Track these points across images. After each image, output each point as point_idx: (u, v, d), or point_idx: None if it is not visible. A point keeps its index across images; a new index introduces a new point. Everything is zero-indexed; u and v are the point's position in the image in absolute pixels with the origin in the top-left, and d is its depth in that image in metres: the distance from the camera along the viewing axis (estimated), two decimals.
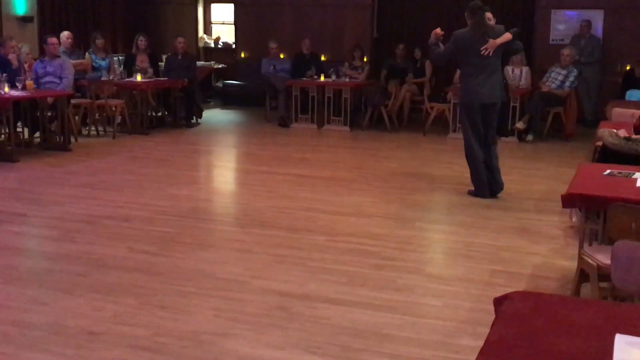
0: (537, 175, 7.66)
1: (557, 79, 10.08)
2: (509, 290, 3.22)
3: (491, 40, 6.44)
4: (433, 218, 6.13)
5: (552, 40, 11.69)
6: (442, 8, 12.79)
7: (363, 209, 6.09)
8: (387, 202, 6.36)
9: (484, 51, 6.42)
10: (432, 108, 10.52)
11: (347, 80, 11.02)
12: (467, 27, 6.62)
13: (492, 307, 2.31)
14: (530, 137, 9.85)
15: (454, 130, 10.12)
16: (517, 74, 10.27)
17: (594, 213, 3.86)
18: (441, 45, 6.78)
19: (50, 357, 3.31)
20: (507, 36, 6.51)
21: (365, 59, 11.87)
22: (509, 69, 10.31)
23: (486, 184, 6.60)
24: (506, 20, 12.31)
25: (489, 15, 6.69)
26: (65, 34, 10.15)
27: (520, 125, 9.76)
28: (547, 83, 10.13)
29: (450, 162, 8.35)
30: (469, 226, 5.64)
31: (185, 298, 4.05)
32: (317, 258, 4.78)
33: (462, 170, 7.81)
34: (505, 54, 6.74)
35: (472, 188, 6.71)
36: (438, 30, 6.83)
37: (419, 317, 3.84)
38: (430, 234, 5.64)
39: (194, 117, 11.18)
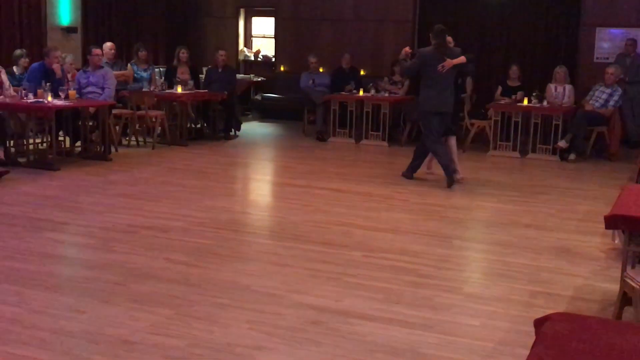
0: (579, 195, 7.52)
1: (601, 97, 9.92)
2: (549, 311, 3.15)
3: (448, 60, 7.63)
4: (471, 236, 6.06)
5: (597, 58, 11.52)
6: (483, 23, 12.74)
7: (400, 226, 6.04)
8: (425, 219, 6.31)
9: (440, 68, 7.57)
10: (472, 124, 10.44)
11: (386, 95, 10.98)
12: (430, 47, 7.83)
13: (531, 329, 2.26)
14: (572, 156, 9.69)
15: (495, 148, 10.02)
16: (560, 91, 10.14)
17: (637, 235, 3.77)
18: (408, 60, 8.09)
19: None
20: (462, 59, 7.73)
21: None
22: (552, 86, 10.19)
23: (450, 164, 7.85)
24: (550, 38, 12.29)
25: (449, 39, 7.95)
26: (108, 45, 10.32)
27: (562, 144, 9.62)
28: (590, 102, 9.97)
29: (489, 179, 8.27)
30: (508, 245, 5.56)
31: (221, 310, 4.05)
32: (352, 274, 4.75)
33: (502, 188, 7.75)
34: (458, 73, 8.05)
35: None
36: (407, 48, 8.15)
37: (456, 337, 3.78)
38: (469, 253, 5.57)
39: (233, 130, 11.24)
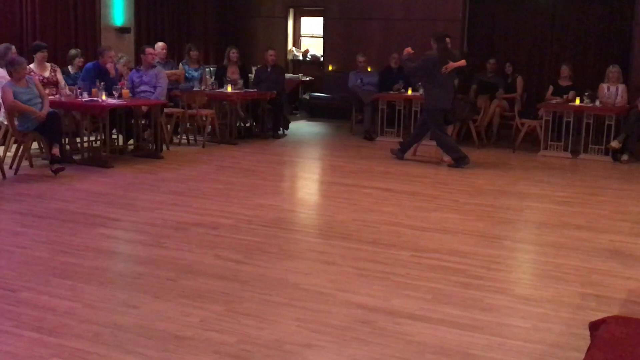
0: (632, 197, 7.36)
1: None
2: (601, 314, 3.11)
3: (451, 63, 8.57)
4: (522, 237, 5.98)
5: None
6: (534, 21, 12.56)
7: (449, 226, 6.00)
8: (474, 220, 6.25)
9: (444, 70, 8.53)
10: (522, 124, 10.29)
11: None
12: (433, 50, 8.71)
13: (583, 332, 2.23)
14: (625, 156, 9.49)
15: (546, 148, 9.88)
16: (613, 91, 9.94)
17: None
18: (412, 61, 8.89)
19: (139, 359, 3.40)
20: (462, 62, 8.71)
21: None
22: (604, 86, 10.00)
23: (460, 151, 8.79)
24: (603, 37, 12.04)
25: (447, 40, 8.88)
26: (160, 44, 10.47)
27: (615, 144, 9.43)
28: None
29: (540, 180, 8.15)
30: (559, 247, 5.47)
31: (270, 307, 4.08)
32: (401, 273, 4.74)
33: (553, 189, 7.65)
34: (457, 73, 9.03)
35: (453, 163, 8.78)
36: (409, 49, 8.86)
37: (507, 338, 3.74)
38: (519, 254, 5.50)
39: (281, 129, 11.31)
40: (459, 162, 8.75)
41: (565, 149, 9.80)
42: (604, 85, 10.03)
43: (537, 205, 6.94)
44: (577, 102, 9.84)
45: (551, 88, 10.69)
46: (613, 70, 10.04)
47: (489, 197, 7.20)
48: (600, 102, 9.80)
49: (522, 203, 7.01)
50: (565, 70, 10.63)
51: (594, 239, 5.73)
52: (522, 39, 12.68)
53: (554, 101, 10.21)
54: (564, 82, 10.61)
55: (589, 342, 2.25)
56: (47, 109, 7.58)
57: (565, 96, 10.24)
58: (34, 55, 8.64)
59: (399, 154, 9.26)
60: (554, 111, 9.94)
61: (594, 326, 2.19)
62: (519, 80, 11.27)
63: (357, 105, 11.74)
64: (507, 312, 4.13)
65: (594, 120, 9.67)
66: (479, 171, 8.64)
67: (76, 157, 8.47)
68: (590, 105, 9.69)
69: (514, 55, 12.30)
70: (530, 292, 4.49)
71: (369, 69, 12.08)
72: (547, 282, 4.69)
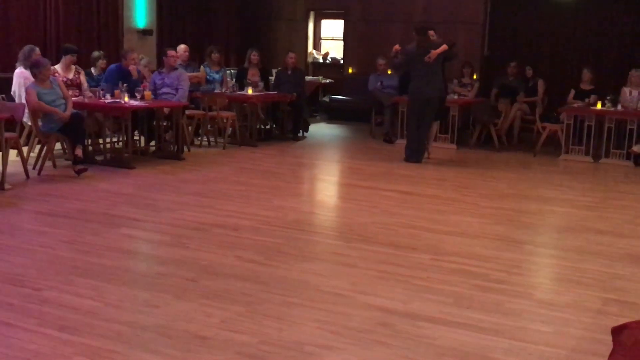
0: None
1: None
2: (622, 319, 3.09)
3: (432, 51, 8.75)
4: (543, 241, 5.96)
5: None
6: (556, 24, 12.49)
7: (469, 229, 5.99)
8: (495, 223, 6.23)
9: (427, 59, 8.70)
10: (543, 128, 10.24)
11: (455, 97, 10.87)
12: (412, 43, 8.99)
13: (604, 337, 2.22)
14: None
15: (567, 152, 9.82)
16: (635, 95, 9.86)
17: None
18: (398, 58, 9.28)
19: (160, 358, 3.42)
20: (443, 47, 8.77)
21: (475, 76, 11.72)
22: (626, 90, 9.92)
23: (414, 151, 9.11)
24: (624, 40, 11.94)
25: (431, 32, 9.07)
26: (182, 47, 10.53)
27: (637, 148, 9.35)
28: None
29: (561, 184, 8.11)
30: (581, 251, 5.44)
31: (290, 308, 4.10)
32: (421, 276, 4.73)
33: (574, 193, 7.61)
34: (444, 60, 9.01)
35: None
36: (397, 46, 9.17)
37: (528, 343, 3.73)
38: (540, 258, 5.48)
39: (301, 131, 11.34)
40: (408, 159, 9.13)
41: (587, 153, 9.74)
42: (626, 89, 9.95)
43: (558, 210, 6.91)
44: (599, 106, 9.78)
45: (572, 92, 10.64)
46: (636, 74, 9.97)
47: (510, 201, 7.17)
48: (622, 106, 9.72)
49: (543, 207, 6.97)
50: (586, 73, 10.57)
51: (615, 243, 5.69)
52: (544, 42, 12.62)
53: (575, 105, 10.16)
54: (585, 86, 10.55)
55: (610, 347, 2.23)
56: (70, 110, 7.66)
57: (586, 100, 10.18)
58: (64, 57, 8.72)
59: (413, 158, 9.23)
60: (576, 115, 9.88)
61: (617, 331, 2.18)
62: (540, 84, 11.22)
63: (377, 108, 11.74)
64: (528, 316, 4.11)
65: (616, 124, 9.60)
66: (500, 175, 8.61)
67: (98, 158, 8.55)
68: (612, 109, 9.62)
69: (535, 58, 12.24)
70: (552, 297, 4.47)
71: (389, 72, 12.07)
72: (568, 286, 4.67)
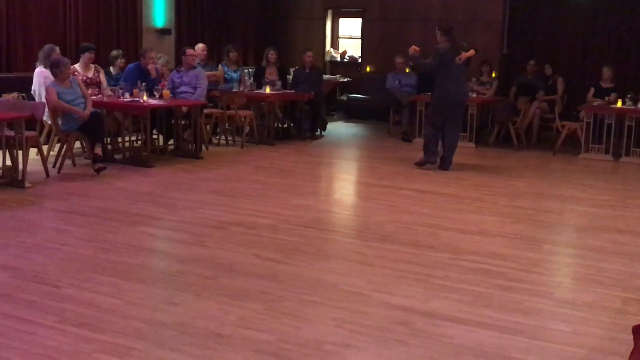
0: None
1: None
2: None
3: (463, 53, 8.41)
4: (562, 241, 5.91)
5: None
6: (576, 22, 12.39)
7: (488, 228, 5.96)
8: (514, 222, 6.19)
9: (458, 60, 8.35)
10: (563, 126, 10.16)
11: (474, 95, 10.80)
12: (444, 43, 8.48)
13: (624, 336, 2.21)
14: None
15: (587, 151, 9.74)
16: None
17: None
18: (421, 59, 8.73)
19: (180, 356, 3.43)
20: (472, 52, 8.52)
21: (493, 75, 11.66)
22: None
23: (435, 152, 8.68)
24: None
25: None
26: (200, 46, 10.57)
27: None
28: None
29: (581, 183, 8.05)
30: (601, 250, 5.40)
31: (308, 307, 4.10)
32: (439, 275, 4.72)
33: (594, 192, 7.55)
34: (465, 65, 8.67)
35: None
36: (416, 47, 8.66)
37: (547, 342, 3.71)
38: (560, 257, 5.44)
39: (318, 130, 11.34)
40: (423, 164, 8.69)
41: (607, 152, 9.66)
42: None
43: (578, 209, 6.86)
44: (619, 104, 9.70)
45: (592, 90, 10.56)
46: None
47: (529, 199, 7.13)
48: None
49: (562, 206, 6.93)
50: (607, 71, 10.49)
51: (635, 242, 5.64)
52: (563, 40, 12.52)
53: (595, 103, 10.08)
54: (605, 84, 10.47)
55: (630, 347, 2.22)
56: (89, 108, 7.72)
57: (607, 98, 10.09)
58: (82, 55, 8.78)
59: (446, 165, 8.72)
60: (595, 113, 9.80)
61: (637, 330, 2.16)
62: (560, 82, 11.14)
63: (395, 107, 11.72)
64: (547, 315, 4.09)
65: (636, 122, 9.50)
66: (519, 174, 8.56)
67: (117, 157, 8.59)
68: (633, 107, 9.54)
69: (554, 56, 12.16)
70: (571, 296, 4.44)
71: (407, 70, 12.04)
72: (588, 286, 4.63)
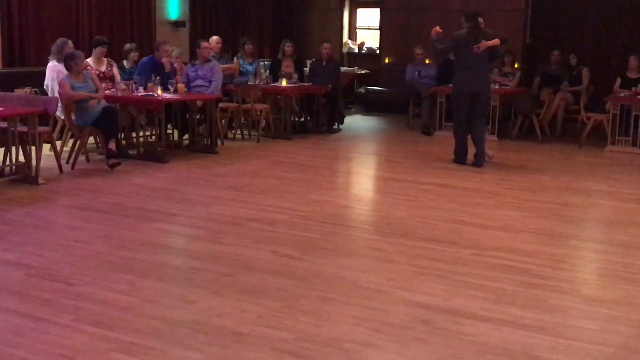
0: None
1: None
2: None
3: (483, 42, 7.87)
4: (588, 236, 5.77)
5: None
6: (601, 10, 12.14)
7: (511, 223, 5.82)
8: (538, 217, 6.05)
9: (475, 49, 7.82)
10: (588, 118, 9.95)
11: (496, 87, 10.58)
12: (463, 30, 8.00)
13: None
14: None
15: (613, 143, 9.55)
16: None
17: None
18: (440, 42, 8.24)
19: (197, 354, 3.36)
20: (496, 41, 7.95)
21: (516, 66, 11.47)
22: None
23: (463, 153, 8.27)
24: None
25: (480, 20, 8.11)
26: (214, 38, 10.47)
27: None
28: None
29: (608, 176, 7.90)
30: (629, 246, 5.25)
31: (327, 304, 4.00)
32: (462, 272, 4.60)
33: (621, 186, 7.40)
34: (489, 58, 8.16)
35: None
36: (438, 28, 8.16)
37: (573, 340, 3.59)
38: (586, 253, 5.30)
39: (336, 123, 11.21)
40: (456, 161, 8.38)
41: (634, 144, 9.44)
42: None
43: (604, 203, 6.71)
44: None
45: (619, 80, 10.36)
46: None
47: (553, 194, 6.97)
48: None
49: (588, 200, 6.78)
50: (633, 61, 10.28)
51: None
52: (588, 29, 12.27)
53: (622, 94, 9.88)
54: (632, 74, 10.27)
55: None
56: (103, 94, 7.68)
57: (633, 89, 9.87)
58: (94, 49, 8.72)
59: (479, 161, 8.28)
60: (622, 104, 9.59)
61: None
62: (585, 72, 10.94)
63: (414, 99, 11.57)
64: (573, 313, 3.98)
65: None
66: (543, 167, 8.40)
67: (132, 152, 8.51)
68: None
69: (579, 46, 11.92)
70: (598, 293, 4.32)
71: (427, 62, 11.87)
72: (615, 282, 4.50)
